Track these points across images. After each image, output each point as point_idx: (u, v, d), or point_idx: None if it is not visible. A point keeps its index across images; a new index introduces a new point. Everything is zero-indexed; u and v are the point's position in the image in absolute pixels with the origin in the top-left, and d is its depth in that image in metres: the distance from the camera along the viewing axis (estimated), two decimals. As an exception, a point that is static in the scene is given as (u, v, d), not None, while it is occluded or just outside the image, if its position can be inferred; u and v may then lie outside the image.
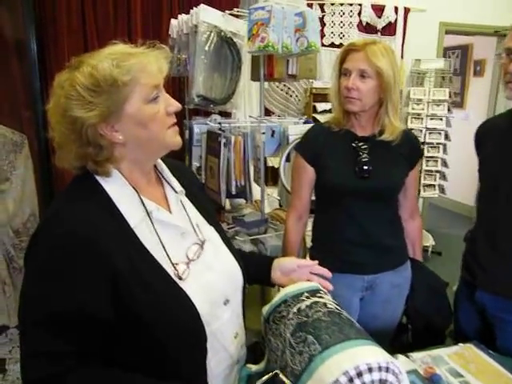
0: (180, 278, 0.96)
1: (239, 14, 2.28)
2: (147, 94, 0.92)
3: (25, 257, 0.92)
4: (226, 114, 2.71)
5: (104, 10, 2.48)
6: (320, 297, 1.17)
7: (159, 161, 1.10)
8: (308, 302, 1.12)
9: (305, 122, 2.39)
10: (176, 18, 2.23)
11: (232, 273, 1.11)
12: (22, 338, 0.88)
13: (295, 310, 1.10)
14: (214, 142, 2.13)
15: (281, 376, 0.97)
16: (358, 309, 1.75)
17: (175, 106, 0.98)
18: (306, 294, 1.15)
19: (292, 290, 1.15)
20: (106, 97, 0.88)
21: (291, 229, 1.77)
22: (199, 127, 2.40)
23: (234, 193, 2.12)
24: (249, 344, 1.17)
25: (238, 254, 1.17)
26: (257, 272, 1.24)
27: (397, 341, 1.88)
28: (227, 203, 2.88)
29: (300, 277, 1.22)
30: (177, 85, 2.76)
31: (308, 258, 1.86)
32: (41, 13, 2.37)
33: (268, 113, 3.82)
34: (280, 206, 2.68)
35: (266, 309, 1.17)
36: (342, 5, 4.06)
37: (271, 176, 3.18)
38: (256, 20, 1.89)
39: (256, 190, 2.34)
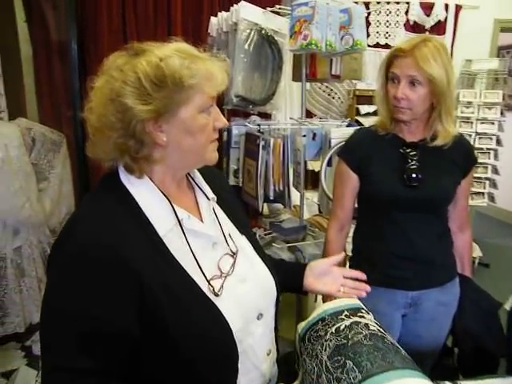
0: (216, 295, 0.88)
1: (281, 11, 2.20)
2: (205, 103, 0.89)
3: (48, 260, 0.87)
4: (265, 116, 2.63)
5: (144, 10, 2.46)
6: (361, 316, 1.09)
7: None
8: (348, 322, 1.04)
9: (348, 125, 2.28)
10: (216, 16, 2.18)
11: (266, 285, 1.03)
12: (44, 350, 0.82)
13: (333, 329, 1.02)
14: (253, 145, 2.06)
15: None
16: (399, 326, 1.64)
17: (223, 122, 0.94)
18: (345, 313, 1.07)
19: (331, 307, 1.08)
20: (166, 94, 0.84)
21: (332, 240, 1.68)
22: (238, 129, 2.32)
23: (271, 197, 2.04)
24: (282, 354, 1.11)
25: (271, 264, 1.08)
26: (289, 280, 1.16)
27: (441, 363, 1.75)
28: (265, 208, 2.81)
29: (334, 281, 1.17)
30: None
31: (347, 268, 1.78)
32: (82, 14, 2.37)
33: (309, 115, 3.73)
34: (320, 211, 2.58)
35: (302, 325, 1.10)
36: (388, 3, 3.91)
37: (311, 180, 3.08)
38: (298, 17, 1.81)
39: (295, 195, 2.26)
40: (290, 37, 1.86)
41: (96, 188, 0.95)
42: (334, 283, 1.16)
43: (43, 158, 2.24)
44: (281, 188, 2.01)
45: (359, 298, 1.15)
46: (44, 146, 2.24)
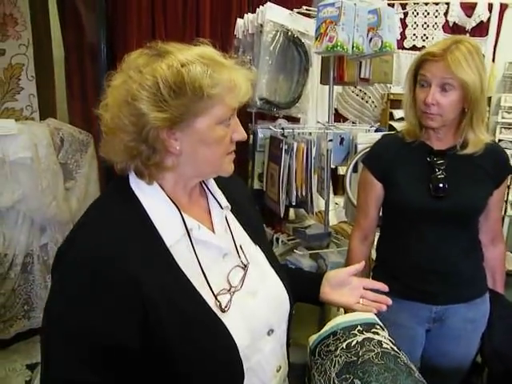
0: (223, 311, 0.84)
1: (309, 12, 2.15)
2: (224, 115, 0.83)
3: (53, 265, 0.84)
4: (293, 120, 2.58)
5: (173, 11, 2.47)
6: (375, 333, 1.03)
7: None
8: (360, 338, 0.98)
9: (376, 130, 2.21)
10: (242, 18, 2.16)
11: (278, 299, 0.97)
12: (43, 359, 0.80)
13: (344, 345, 0.97)
14: (276, 149, 2.02)
15: None
16: (423, 342, 1.57)
17: (242, 135, 0.89)
18: (359, 328, 1.01)
19: (344, 321, 1.03)
20: (184, 103, 0.79)
21: (355, 249, 1.63)
22: (263, 132, 2.29)
23: (293, 203, 2.00)
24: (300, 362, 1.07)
25: (285, 275, 1.03)
26: (305, 290, 1.11)
27: (470, 382, 1.66)
28: (291, 213, 2.76)
29: (352, 292, 1.10)
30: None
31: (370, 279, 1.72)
32: (112, 15, 2.40)
33: (342, 119, 3.65)
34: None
35: (313, 338, 1.06)
36: (426, 4, 3.77)
37: (342, 185, 3.01)
38: (324, 18, 1.75)
39: (322, 200, 2.21)
40: (316, 39, 1.80)
41: (104, 192, 0.93)
42: (352, 294, 1.09)
43: (71, 157, 2.29)
44: (303, 193, 1.96)
45: (378, 312, 1.08)
46: (72, 146, 2.28)
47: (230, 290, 0.88)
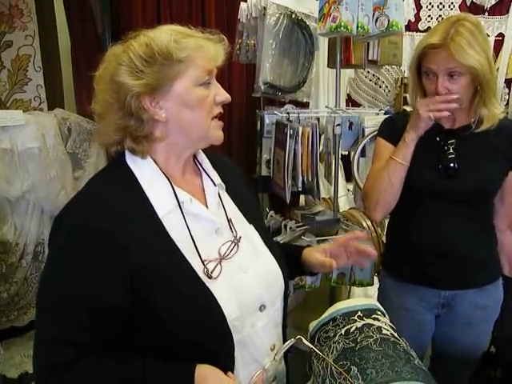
0: (209, 277, 0.87)
1: (314, -7, 2.09)
2: (200, 76, 0.90)
3: (49, 234, 0.90)
4: (302, 105, 2.54)
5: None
6: (375, 319, 1.02)
7: (200, 151, 1.02)
8: (359, 324, 0.97)
9: (385, 113, 2.15)
10: (246, 2, 2.12)
11: (271, 276, 0.99)
12: (36, 319, 0.87)
13: (343, 331, 0.96)
14: (282, 134, 1.98)
15: (304, 341, 0.93)
16: (432, 327, 1.55)
17: (224, 96, 0.94)
18: (359, 314, 1.00)
19: (344, 307, 1.02)
20: (158, 69, 0.86)
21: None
22: (270, 117, 2.25)
23: (299, 188, 1.96)
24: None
25: (280, 255, 1.04)
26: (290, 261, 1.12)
27: (483, 374, 1.62)
28: (301, 199, 2.73)
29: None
30: (244, 72, 2.65)
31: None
32: (117, 1, 2.39)
33: (356, 105, 3.58)
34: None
35: (313, 324, 1.05)
36: (442, -17, 3.65)
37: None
38: (328, -2, 1.71)
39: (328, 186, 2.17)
40: (319, 19, 1.76)
41: (101, 171, 0.98)
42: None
43: (79, 147, 2.30)
44: (310, 179, 1.93)
45: (383, 298, 1.07)
46: (80, 136, 2.29)
47: (219, 259, 0.91)
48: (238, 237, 0.97)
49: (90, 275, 0.82)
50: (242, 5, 2.14)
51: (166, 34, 0.88)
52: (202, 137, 0.94)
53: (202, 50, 0.89)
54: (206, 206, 0.96)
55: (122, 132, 0.89)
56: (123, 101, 0.86)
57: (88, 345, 0.83)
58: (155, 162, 0.92)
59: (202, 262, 0.88)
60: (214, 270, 0.88)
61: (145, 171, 0.91)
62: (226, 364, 0.88)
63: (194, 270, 0.87)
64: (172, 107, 0.89)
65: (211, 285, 0.87)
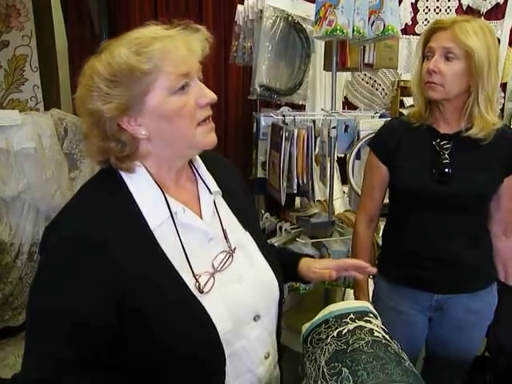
0: (201, 292, 0.84)
1: (310, -4, 2.11)
2: (173, 83, 0.82)
3: (39, 246, 0.89)
4: (299, 108, 2.55)
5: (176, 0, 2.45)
6: (367, 321, 1.02)
7: (196, 156, 0.98)
8: (351, 326, 0.97)
9: (380, 116, 2.16)
10: (242, 4, 2.13)
11: (266, 285, 0.97)
12: (26, 331, 0.84)
13: (335, 333, 0.96)
14: (277, 136, 1.99)
15: None
16: (425, 330, 1.55)
17: (208, 97, 0.86)
18: (351, 316, 1.00)
19: (336, 309, 1.02)
20: (124, 88, 0.80)
21: (361, 232, 1.60)
22: (266, 120, 2.26)
23: (295, 191, 1.97)
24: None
25: (276, 262, 1.02)
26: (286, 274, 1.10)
27: (477, 378, 1.62)
28: (297, 201, 2.74)
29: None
30: (241, 74, 2.66)
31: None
32: (114, 4, 2.39)
33: (353, 108, 3.59)
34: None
35: (305, 326, 1.04)
36: (438, -13, 3.67)
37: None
38: (323, 1, 1.72)
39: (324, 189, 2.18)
40: (316, 23, 1.77)
41: (93, 176, 0.94)
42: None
43: (75, 147, 2.29)
44: (305, 181, 1.94)
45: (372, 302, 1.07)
46: (76, 136, 2.29)
47: (212, 272, 0.88)
48: (232, 247, 0.94)
49: (76, 289, 0.79)
50: (239, 7, 2.15)
51: (124, 48, 0.80)
52: (189, 146, 0.89)
53: (169, 55, 0.81)
54: (200, 215, 0.93)
55: (105, 153, 0.85)
56: (101, 126, 0.82)
57: (73, 361, 0.79)
58: (147, 170, 0.88)
59: (194, 277, 0.85)
60: (206, 283, 0.85)
61: (136, 180, 0.87)
62: (217, 377, 0.86)
63: (186, 285, 0.84)
64: (150, 123, 0.83)
65: (203, 299, 0.84)
